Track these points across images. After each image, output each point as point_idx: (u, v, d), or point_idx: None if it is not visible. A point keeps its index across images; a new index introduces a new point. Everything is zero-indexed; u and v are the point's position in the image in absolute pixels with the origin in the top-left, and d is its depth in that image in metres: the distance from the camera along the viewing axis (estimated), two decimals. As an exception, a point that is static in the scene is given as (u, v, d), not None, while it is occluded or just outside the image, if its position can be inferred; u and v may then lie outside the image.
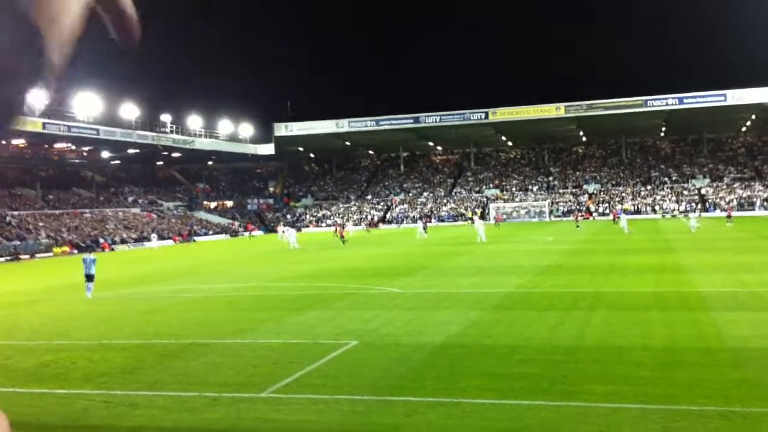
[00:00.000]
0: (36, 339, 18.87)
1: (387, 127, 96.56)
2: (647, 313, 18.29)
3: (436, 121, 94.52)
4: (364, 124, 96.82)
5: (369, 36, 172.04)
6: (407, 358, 14.44)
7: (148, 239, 74.39)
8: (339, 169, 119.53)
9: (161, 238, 79.40)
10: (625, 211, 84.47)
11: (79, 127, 75.26)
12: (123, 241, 75.43)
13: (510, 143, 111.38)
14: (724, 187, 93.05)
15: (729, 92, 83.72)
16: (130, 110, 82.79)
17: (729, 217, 63.32)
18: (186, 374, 13.92)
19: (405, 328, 17.73)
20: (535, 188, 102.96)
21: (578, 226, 65.73)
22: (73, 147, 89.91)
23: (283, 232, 64.46)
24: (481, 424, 10.21)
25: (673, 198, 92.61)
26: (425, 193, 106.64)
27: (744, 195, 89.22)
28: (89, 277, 27.43)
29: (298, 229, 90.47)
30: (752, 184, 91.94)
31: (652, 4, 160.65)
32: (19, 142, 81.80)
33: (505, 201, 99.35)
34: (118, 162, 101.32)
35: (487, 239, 51.63)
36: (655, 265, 30.40)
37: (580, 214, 78.90)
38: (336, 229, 62.17)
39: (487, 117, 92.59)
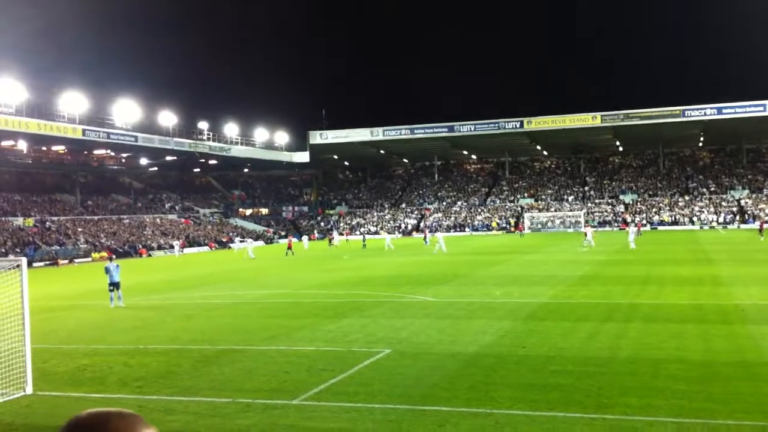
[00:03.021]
0: (73, 343, 19.15)
1: (421, 135, 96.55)
2: (684, 326, 18.04)
3: (470, 130, 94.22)
4: (399, 133, 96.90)
5: (405, 45, 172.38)
6: (440, 367, 14.41)
7: (171, 246, 75.00)
8: (373, 178, 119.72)
9: (192, 245, 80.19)
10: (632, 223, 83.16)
11: (117, 134, 76.32)
12: (160, 247, 76.27)
13: (545, 152, 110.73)
14: (764, 198, 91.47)
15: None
16: (167, 117, 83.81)
17: (761, 230, 61.74)
18: (220, 380, 14.03)
19: (437, 337, 17.69)
20: (570, 198, 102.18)
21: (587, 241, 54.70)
22: (112, 153, 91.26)
23: (242, 241, 69.71)
24: (514, 435, 10.14)
25: (712, 209, 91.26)
26: (459, 202, 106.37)
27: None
28: (115, 285, 26.70)
29: (342, 234, 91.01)
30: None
31: (691, 15, 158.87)
32: (59, 148, 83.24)
33: (540, 210, 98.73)
34: (155, 169, 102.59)
35: (447, 250, 53.32)
36: (693, 276, 29.99)
37: (588, 224, 76.92)
38: (289, 240, 64.51)
39: (522, 126, 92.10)
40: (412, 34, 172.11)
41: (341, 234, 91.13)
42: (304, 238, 79.75)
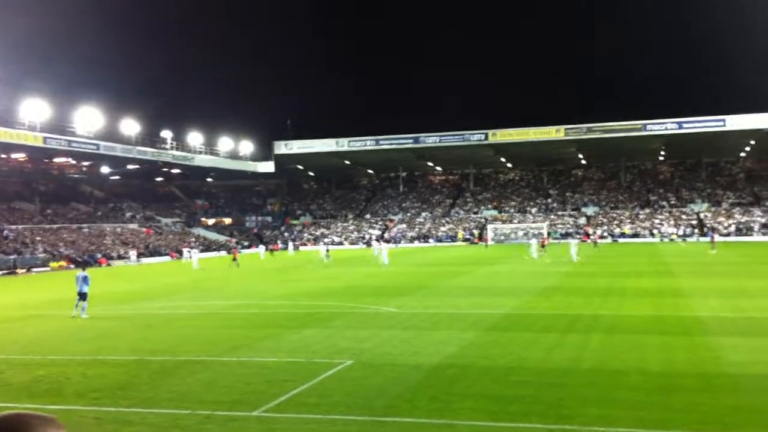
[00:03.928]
0: (30, 353, 18.76)
1: (387, 146, 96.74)
2: (645, 337, 18.23)
3: (435, 142, 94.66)
4: (364, 144, 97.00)
5: (370, 55, 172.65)
6: (402, 378, 14.37)
7: (129, 256, 73.79)
8: (338, 188, 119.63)
9: (153, 254, 79.28)
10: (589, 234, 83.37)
11: (79, 142, 75.28)
12: (120, 257, 75.27)
13: (509, 165, 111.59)
14: (723, 211, 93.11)
15: (728, 117, 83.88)
16: (130, 126, 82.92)
17: (712, 242, 62.50)
18: (180, 391, 13.84)
19: (401, 348, 17.66)
20: (533, 210, 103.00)
21: (544, 252, 58.39)
22: (73, 161, 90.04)
23: (189, 252, 68.58)
24: (476, 447, 10.13)
25: (672, 222, 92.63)
26: (423, 213, 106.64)
27: (742, 220, 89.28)
28: (80, 296, 25.99)
29: (296, 247, 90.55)
30: (751, 209, 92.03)
31: (653, 30, 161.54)
32: (20, 155, 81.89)
33: (503, 222, 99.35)
34: (117, 177, 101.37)
35: (389, 263, 51.36)
36: (654, 288, 30.37)
37: (546, 238, 76.93)
38: (234, 252, 63.30)
39: (486, 138, 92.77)
40: (379, 46, 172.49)
41: (297, 248, 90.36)
42: (261, 247, 79.83)
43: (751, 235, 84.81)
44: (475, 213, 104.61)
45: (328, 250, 62.31)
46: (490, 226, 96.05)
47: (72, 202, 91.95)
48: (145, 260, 74.67)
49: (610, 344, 17.40)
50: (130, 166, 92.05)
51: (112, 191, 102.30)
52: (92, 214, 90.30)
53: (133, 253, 73.24)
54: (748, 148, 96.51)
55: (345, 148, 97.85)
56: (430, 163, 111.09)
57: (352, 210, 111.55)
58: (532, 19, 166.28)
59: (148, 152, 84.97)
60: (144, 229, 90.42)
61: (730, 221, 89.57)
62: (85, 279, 26.31)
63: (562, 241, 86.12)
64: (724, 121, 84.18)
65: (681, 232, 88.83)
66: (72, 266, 65.20)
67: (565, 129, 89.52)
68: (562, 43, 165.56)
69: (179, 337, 20.62)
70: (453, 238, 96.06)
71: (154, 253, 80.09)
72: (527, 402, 12.25)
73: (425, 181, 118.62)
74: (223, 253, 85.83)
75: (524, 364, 15.34)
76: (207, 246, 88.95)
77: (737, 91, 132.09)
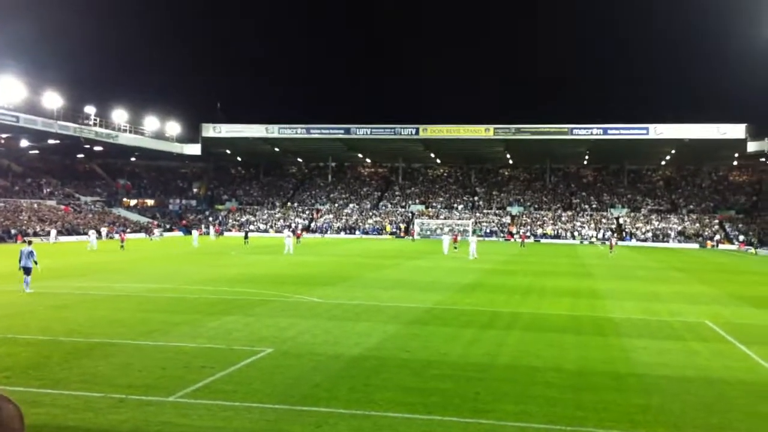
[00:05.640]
0: (-66, 329, 18.01)
1: (317, 135, 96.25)
2: (561, 336, 18.63)
3: (366, 133, 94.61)
4: (295, 131, 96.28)
5: (302, 43, 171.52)
6: (322, 368, 14.34)
7: (48, 235, 71.49)
8: (266, 175, 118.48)
9: (71, 233, 77.11)
10: (475, 232, 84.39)
11: (-3, 113, 72.54)
12: (36, 234, 72.93)
13: (438, 160, 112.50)
14: (641, 217, 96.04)
15: (651, 126, 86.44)
16: (53, 99, 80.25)
17: (611, 248, 63.77)
18: (93, 374, 13.50)
19: (322, 338, 17.62)
20: (460, 207, 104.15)
21: (456, 248, 61.13)
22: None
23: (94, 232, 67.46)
24: (392, 438, 10.18)
25: (592, 225, 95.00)
26: (351, 205, 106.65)
27: (659, 226, 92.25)
28: (25, 270, 26.07)
29: (220, 233, 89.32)
30: (668, 216, 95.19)
31: (581, 37, 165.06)
32: (-67, 124, 78.39)
33: (430, 217, 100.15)
34: (36, 152, 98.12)
35: (294, 252, 52.53)
36: (572, 289, 31.07)
37: (458, 234, 77.65)
38: (121, 236, 64.18)
39: (417, 133, 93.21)
40: (313, 35, 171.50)
41: (221, 233, 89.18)
42: (156, 230, 79.24)
43: (667, 241, 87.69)
44: (403, 207, 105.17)
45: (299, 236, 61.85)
46: (417, 221, 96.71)
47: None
48: (62, 238, 72.54)
49: (527, 341, 17.73)
50: (50, 141, 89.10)
51: (30, 166, 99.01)
52: (9, 189, 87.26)
53: (53, 232, 70.86)
54: (668, 157, 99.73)
55: (275, 135, 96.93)
56: (360, 155, 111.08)
57: (280, 198, 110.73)
58: (476, 18, 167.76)
59: (70, 127, 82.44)
60: (62, 207, 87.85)
61: (648, 227, 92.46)
62: (30, 254, 26.20)
63: (486, 238, 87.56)
64: (647, 129, 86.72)
65: (600, 236, 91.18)
66: (31, 241, 62.96)
67: (495, 128, 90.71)
68: (500, 45, 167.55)
69: (93, 319, 20.09)
70: (380, 231, 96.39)
71: (73, 231, 77.88)
72: (445, 395, 12.38)
73: (354, 172, 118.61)
74: (142, 235, 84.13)
75: (443, 358, 15.49)
76: (127, 226, 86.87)
77: (661, 102, 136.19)
